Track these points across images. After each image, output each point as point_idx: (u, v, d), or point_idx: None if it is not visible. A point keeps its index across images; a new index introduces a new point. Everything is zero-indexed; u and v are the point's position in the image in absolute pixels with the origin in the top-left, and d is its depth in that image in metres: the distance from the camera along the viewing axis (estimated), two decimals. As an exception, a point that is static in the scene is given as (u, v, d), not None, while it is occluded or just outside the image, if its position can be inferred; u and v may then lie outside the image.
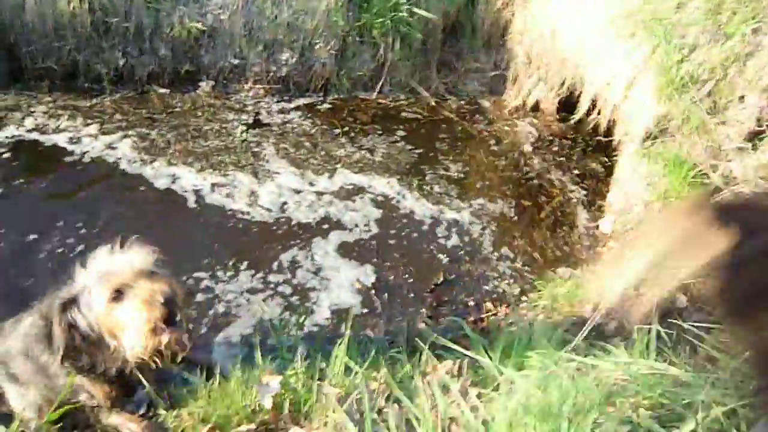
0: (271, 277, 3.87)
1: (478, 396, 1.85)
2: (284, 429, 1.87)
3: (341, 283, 3.96)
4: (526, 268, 4.29)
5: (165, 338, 2.00)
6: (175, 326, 2.02)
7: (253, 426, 1.88)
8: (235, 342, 3.39)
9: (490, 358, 2.35)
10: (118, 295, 2.00)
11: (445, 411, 1.54)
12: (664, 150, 4.20)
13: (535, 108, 6.01)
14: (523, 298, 4.03)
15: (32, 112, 5.06)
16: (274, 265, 3.95)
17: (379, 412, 1.88)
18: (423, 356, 2.27)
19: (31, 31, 5.29)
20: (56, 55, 5.43)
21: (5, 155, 4.53)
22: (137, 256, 2.10)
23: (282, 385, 1.95)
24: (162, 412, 2.49)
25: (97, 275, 2.03)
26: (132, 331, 1.99)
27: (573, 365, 1.89)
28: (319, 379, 2.10)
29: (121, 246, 2.14)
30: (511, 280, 4.18)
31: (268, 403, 1.90)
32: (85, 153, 4.68)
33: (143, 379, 2.52)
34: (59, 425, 2.31)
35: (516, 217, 4.75)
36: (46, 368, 2.29)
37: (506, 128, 5.83)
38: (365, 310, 3.83)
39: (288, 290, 3.81)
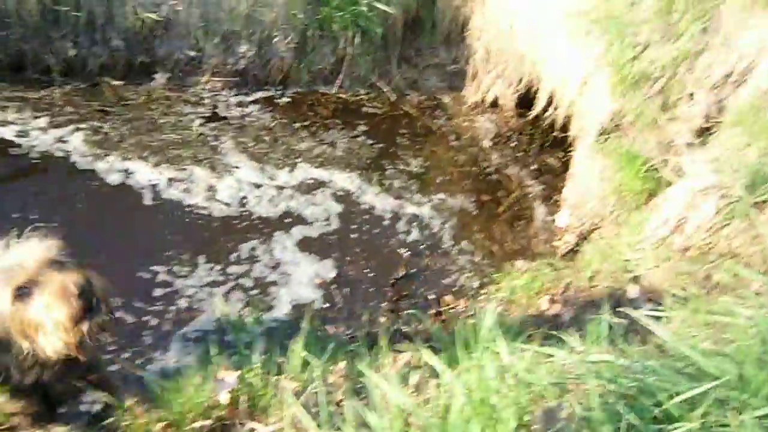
0: (231, 272, 3.82)
1: (437, 387, 1.87)
2: (241, 424, 1.84)
3: (301, 278, 3.94)
4: (485, 261, 4.36)
5: (85, 327, 1.80)
6: (94, 312, 1.83)
7: (209, 422, 1.85)
8: (192, 338, 3.34)
9: (444, 350, 2.38)
10: (25, 291, 1.78)
11: (400, 403, 1.55)
12: (617, 145, 4.31)
13: (494, 104, 6.08)
14: (482, 290, 4.09)
15: (-24, 103, 4.85)
16: (234, 260, 3.91)
17: (337, 405, 1.88)
18: (382, 349, 2.27)
19: (-26, 18, 5.07)
20: (1, 45, 5.21)
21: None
22: (39, 246, 1.87)
23: (239, 380, 1.93)
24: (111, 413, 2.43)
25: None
26: (47, 329, 1.78)
27: (528, 355, 1.92)
28: (277, 374, 2.09)
29: (19, 237, 1.89)
30: (471, 274, 4.23)
31: (224, 399, 1.88)
32: (33, 146, 4.52)
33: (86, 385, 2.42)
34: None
35: (475, 212, 4.81)
36: None
37: (466, 124, 5.88)
38: (326, 305, 3.82)
39: (247, 285, 3.77)
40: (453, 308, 3.87)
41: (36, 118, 4.80)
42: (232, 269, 3.84)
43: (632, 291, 3.49)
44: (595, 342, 1.97)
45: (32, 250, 1.83)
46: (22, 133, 4.63)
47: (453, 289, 4.08)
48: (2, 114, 4.79)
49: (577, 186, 4.67)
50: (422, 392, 1.71)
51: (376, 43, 5.94)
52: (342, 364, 2.07)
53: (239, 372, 1.99)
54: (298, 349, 2.06)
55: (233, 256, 3.93)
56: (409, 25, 6.26)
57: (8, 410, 2.06)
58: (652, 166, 4.08)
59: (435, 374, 2.01)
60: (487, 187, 5.09)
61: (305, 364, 2.08)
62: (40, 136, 4.62)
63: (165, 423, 1.92)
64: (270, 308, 3.70)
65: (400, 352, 2.47)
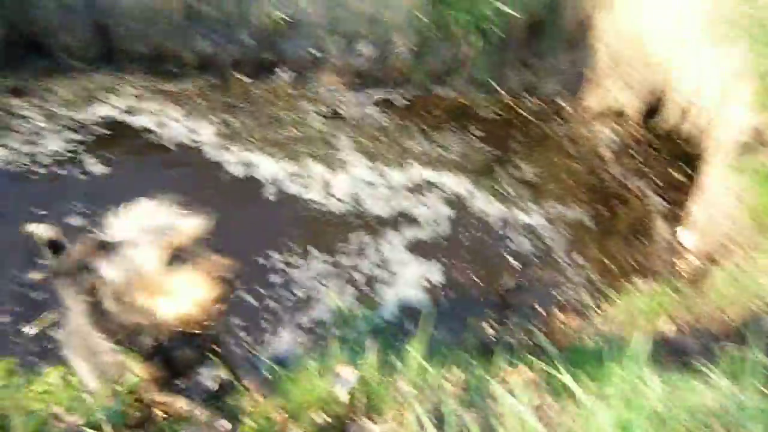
0: (341, 267, 3.92)
1: (560, 410, 1.80)
2: (357, 422, 1.87)
3: (408, 279, 3.96)
4: (600, 277, 4.16)
5: (215, 307, 1.83)
6: (227, 294, 1.84)
7: (326, 416, 1.89)
8: (306, 327, 3.45)
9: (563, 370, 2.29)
10: (174, 258, 1.80)
11: (529, 426, 1.50)
12: (757, 163, 3.96)
13: (616, 112, 5.79)
14: (596, 308, 3.91)
15: (122, 93, 5.30)
16: (344, 255, 4.00)
17: (455, 415, 1.86)
18: (497, 361, 2.23)
19: (125, 14, 5.53)
20: (146, 39, 5.66)
21: (98, 134, 4.75)
22: (192, 220, 1.88)
23: (358, 378, 1.96)
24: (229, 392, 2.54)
25: (148, 230, 1.82)
26: (182, 299, 1.81)
27: (658, 386, 1.80)
28: (392, 375, 2.09)
29: (170, 205, 1.91)
30: (583, 290, 4.06)
31: (343, 396, 1.91)
32: (169, 137, 4.86)
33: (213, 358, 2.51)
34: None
35: (591, 225, 4.61)
36: (92, 344, 2.13)
37: (585, 132, 5.65)
38: (431, 308, 3.81)
39: (357, 281, 3.85)
40: (564, 324, 3.73)
41: (172, 109, 5.17)
42: (343, 264, 3.94)
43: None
44: (737, 377, 1.81)
45: (183, 221, 1.86)
46: (160, 123, 4.99)
47: (564, 304, 3.93)
48: (144, 103, 5.20)
49: (708, 204, 4.33)
50: (547, 412, 1.65)
51: (495, 46, 5.85)
52: (458, 372, 2.05)
53: (357, 369, 2.02)
54: (416, 352, 2.06)
55: (344, 251, 4.02)
56: (531, 27, 6.11)
57: (137, 374, 2.09)
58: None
59: (558, 393, 1.94)
60: (605, 200, 4.86)
61: (420, 367, 2.08)
62: (175, 126, 4.97)
63: (285, 414, 1.98)
64: (376, 306, 3.75)
65: (512, 365, 2.42)
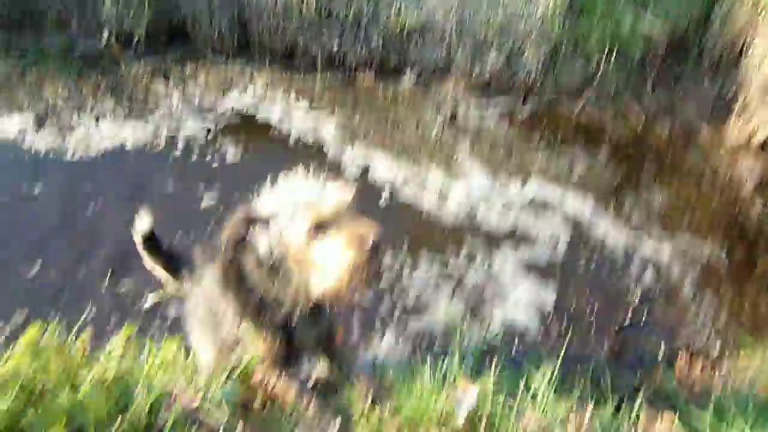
0: (451, 279, 3.81)
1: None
2: (476, 448, 1.78)
3: (518, 301, 3.79)
4: (732, 325, 3.77)
5: (356, 290, 1.83)
6: (369, 281, 1.83)
7: (444, 433, 1.81)
8: (418, 334, 3.38)
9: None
10: (321, 227, 1.81)
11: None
12: None
13: (764, 145, 5.28)
14: (726, 358, 3.55)
15: (253, 83, 5.52)
16: (454, 268, 3.89)
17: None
18: (634, 407, 2.04)
19: (263, 9, 5.76)
20: (280, 34, 5.87)
21: (226, 121, 4.97)
22: (338, 191, 1.88)
23: (479, 397, 1.86)
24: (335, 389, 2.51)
25: (297, 201, 1.85)
26: (328, 269, 1.81)
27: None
28: (513, 402, 1.97)
29: (316, 177, 1.93)
30: (712, 334, 3.70)
31: (462, 416, 1.82)
32: (291, 130, 4.98)
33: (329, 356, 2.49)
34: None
35: (725, 266, 4.20)
36: (217, 313, 2.18)
37: (725, 163, 5.18)
38: (539, 335, 3.62)
39: (465, 295, 3.73)
40: (689, 371, 3.41)
41: (297, 102, 5.32)
42: (453, 276, 3.83)
43: None
44: None
45: (332, 193, 1.86)
46: (284, 116, 5.14)
47: (689, 349, 3.59)
48: (272, 95, 5.38)
49: None
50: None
51: (632, 64, 5.52)
52: (587, 412, 1.90)
53: (478, 388, 1.92)
54: (544, 383, 1.93)
55: (455, 264, 3.92)
56: (673, 46, 5.71)
57: (257, 344, 2.11)
58: None
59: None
60: (743, 239, 4.42)
61: (548, 400, 1.94)
62: (298, 120, 5.10)
63: (398, 422, 1.92)
64: (483, 323, 3.61)
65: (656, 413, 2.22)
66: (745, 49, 5.41)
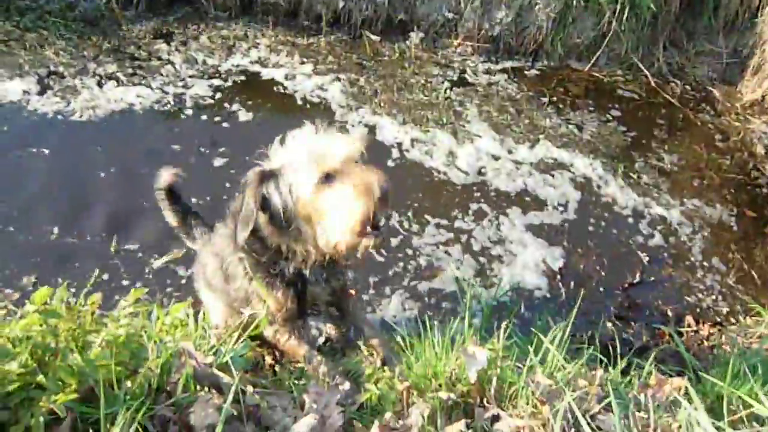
0: (460, 240, 3.79)
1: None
2: (487, 408, 1.78)
3: (527, 261, 3.77)
4: (740, 286, 3.77)
5: (366, 242, 1.83)
6: (379, 231, 1.85)
7: (453, 396, 1.81)
8: (426, 295, 3.38)
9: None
10: (330, 178, 1.81)
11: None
12: None
13: (777, 105, 5.19)
14: (732, 319, 3.56)
15: (257, 44, 5.40)
16: (464, 229, 3.86)
17: (592, 417, 1.71)
18: (644, 368, 2.04)
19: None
20: (282, -8, 5.72)
21: (231, 82, 4.88)
22: (346, 141, 1.87)
23: (488, 360, 1.85)
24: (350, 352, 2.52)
25: (305, 154, 1.83)
26: (338, 219, 1.80)
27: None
28: (525, 364, 1.97)
29: (326, 128, 1.91)
30: (720, 297, 3.70)
31: (473, 377, 1.81)
32: (297, 90, 4.89)
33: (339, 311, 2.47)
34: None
35: (735, 227, 4.17)
36: (227, 270, 2.17)
37: (736, 124, 5.10)
38: (547, 295, 3.62)
39: (473, 256, 3.71)
40: (695, 332, 3.41)
41: (302, 63, 5.21)
42: (462, 237, 3.81)
43: None
44: None
45: (341, 142, 1.85)
46: (290, 76, 5.04)
47: (696, 310, 3.60)
48: (275, 56, 5.28)
49: None
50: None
51: (643, 21, 5.37)
52: (599, 373, 1.89)
53: (488, 350, 1.91)
54: (554, 345, 1.92)
55: (464, 225, 3.89)
56: (686, 3, 5.55)
57: (269, 300, 2.10)
58: None
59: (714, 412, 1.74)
60: (753, 201, 4.38)
61: (557, 361, 1.94)
62: (304, 81, 5.00)
63: (407, 384, 1.92)
64: (491, 285, 3.61)
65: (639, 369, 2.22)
66: (761, 5, 5.25)
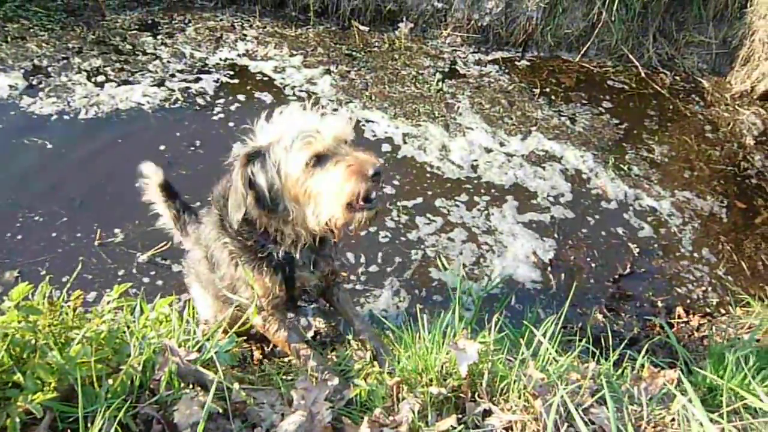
0: (450, 233, 3.76)
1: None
2: (478, 402, 1.75)
3: (517, 253, 3.75)
4: (729, 277, 3.77)
5: (359, 216, 1.79)
6: (371, 204, 1.80)
7: (444, 390, 1.78)
8: (415, 287, 3.34)
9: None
10: (321, 159, 1.75)
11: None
12: None
13: (765, 96, 5.19)
14: (722, 310, 3.56)
15: (244, 36, 5.32)
16: (456, 222, 3.83)
17: (585, 411, 1.69)
18: (636, 360, 2.02)
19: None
20: (271, -19, 5.64)
21: (219, 76, 4.80)
22: (336, 120, 1.81)
23: (479, 354, 1.82)
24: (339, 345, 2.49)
25: (294, 132, 1.76)
26: (328, 200, 1.76)
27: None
28: (516, 357, 1.95)
29: (314, 107, 1.85)
30: (710, 288, 3.70)
31: (463, 371, 1.78)
32: (286, 85, 4.82)
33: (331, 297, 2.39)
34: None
35: (725, 218, 4.17)
36: (212, 256, 2.12)
37: (726, 114, 5.10)
38: (538, 287, 3.60)
39: (464, 249, 3.68)
40: (685, 323, 3.41)
41: (292, 55, 5.14)
42: (454, 230, 3.78)
43: None
44: None
45: (330, 122, 1.80)
46: (279, 69, 4.97)
47: (687, 301, 3.60)
48: (264, 48, 5.20)
49: None
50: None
51: (633, 12, 5.36)
52: (592, 366, 1.87)
53: (479, 344, 1.88)
54: (546, 338, 1.90)
55: (456, 217, 3.86)
56: (677, -6, 5.54)
57: (257, 286, 2.05)
58: None
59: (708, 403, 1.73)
60: (743, 192, 4.39)
61: (549, 355, 1.92)
62: (294, 74, 4.93)
63: (397, 379, 1.89)
64: (482, 277, 3.58)
65: (631, 361, 2.21)
66: (751, -4, 5.25)
